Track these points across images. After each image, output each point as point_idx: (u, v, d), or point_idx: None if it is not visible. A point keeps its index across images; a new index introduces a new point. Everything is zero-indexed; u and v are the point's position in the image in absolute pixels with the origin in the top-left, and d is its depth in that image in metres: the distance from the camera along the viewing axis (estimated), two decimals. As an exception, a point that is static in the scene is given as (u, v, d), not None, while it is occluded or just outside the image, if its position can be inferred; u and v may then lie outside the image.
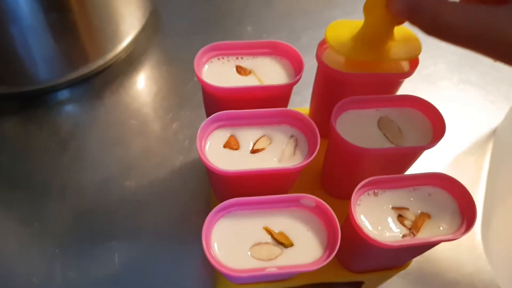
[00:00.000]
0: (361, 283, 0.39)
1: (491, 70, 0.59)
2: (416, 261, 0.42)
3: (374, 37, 0.36)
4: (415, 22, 0.30)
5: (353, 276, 0.38)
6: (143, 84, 0.54)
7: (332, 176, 0.40)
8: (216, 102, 0.37)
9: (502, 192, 0.46)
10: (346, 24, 0.38)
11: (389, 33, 0.36)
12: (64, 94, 0.52)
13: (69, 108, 0.51)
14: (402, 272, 0.41)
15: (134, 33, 0.54)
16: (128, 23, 0.53)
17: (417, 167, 0.47)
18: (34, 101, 0.51)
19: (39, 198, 0.44)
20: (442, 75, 0.59)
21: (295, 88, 0.49)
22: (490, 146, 0.51)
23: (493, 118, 0.54)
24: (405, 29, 0.38)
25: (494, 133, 0.53)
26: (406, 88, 0.56)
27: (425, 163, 0.48)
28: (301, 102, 0.53)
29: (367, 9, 0.34)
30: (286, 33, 0.61)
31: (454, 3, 0.28)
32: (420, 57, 0.61)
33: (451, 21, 0.27)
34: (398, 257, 0.36)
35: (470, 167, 0.50)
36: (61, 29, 0.46)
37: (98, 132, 0.49)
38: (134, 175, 0.46)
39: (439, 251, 0.43)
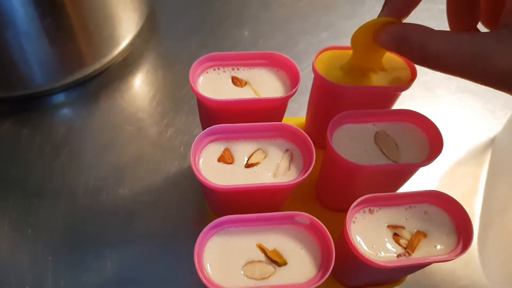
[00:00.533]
0: (355, 296, 0.38)
1: (490, 78, 0.59)
2: (412, 273, 0.42)
3: (362, 67, 0.37)
4: (403, 53, 0.30)
5: (347, 291, 0.38)
6: (139, 88, 0.53)
7: (327, 190, 0.40)
8: (211, 113, 0.37)
9: (500, 204, 0.45)
10: (336, 53, 0.39)
11: (377, 63, 0.38)
12: (59, 98, 0.51)
13: (64, 112, 0.50)
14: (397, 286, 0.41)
15: (131, 37, 0.54)
16: (125, 27, 0.52)
17: (414, 178, 0.47)
18: (29, 105, 0.50)
19: (33, 204, 0.43)
20: (440, 82, 0.58)
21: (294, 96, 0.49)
22: (488, 156, 0.51)
23: (492, 127, 0.54)
24: (396, 58, 0.39)
25: (492, 142, 0.52)
26: (404, 96, 0.55)
27: (421, 173, 0.48)
28: (298, 110, 0.52)
29: (354, 41, 0.35)
30: (283, 38, 0.60)
31: (441, 32, 0.28)
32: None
33: (439, 51, 0.27)
34: (393, 275, 0.35)
35: (468, 178, 0.49)
36: (57, 34, 0.45)
37: (93, 136, 0.48)
38: (128, 181, 0.45)
39: (434, 263, 0.43)
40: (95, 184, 0.45)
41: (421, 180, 0.48)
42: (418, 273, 0.42)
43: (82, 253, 0.41)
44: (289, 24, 0.63)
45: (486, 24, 0.35)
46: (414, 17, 0.67)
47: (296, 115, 0.52)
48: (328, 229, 0.34)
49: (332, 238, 0.35)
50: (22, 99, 0.50)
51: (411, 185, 0.44)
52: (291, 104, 0.53)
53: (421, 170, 0.44)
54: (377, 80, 0.37)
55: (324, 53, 0.39)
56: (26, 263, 0.40)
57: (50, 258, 0.40)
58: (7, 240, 0.41)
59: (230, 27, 0.61)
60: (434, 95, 0.57)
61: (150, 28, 0.60)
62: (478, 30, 0.34)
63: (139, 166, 0.47)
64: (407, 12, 0.33)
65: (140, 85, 0.54)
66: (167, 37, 0.60)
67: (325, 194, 0.40)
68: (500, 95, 0.57)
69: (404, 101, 0.55)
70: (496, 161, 0.49)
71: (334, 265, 0.36)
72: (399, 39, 0.30)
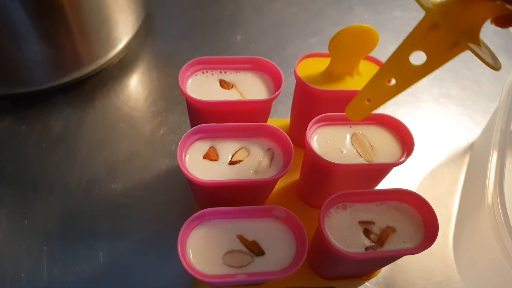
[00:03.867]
0: (333, 289, 0.41)
1: (472, 85, 0.61)
2: (388, 269, 0.44)
3: (340, 73, 0.40)
4: None
5: (324, 283, 0.40)
6: (133, 89, 0.56)
7: (307, 187, 0.42)
8: (199, 114, 0.39)
9: (474, 205, 0.47)
10: (317, 60, 0.42)
11: (354, 69, 0.40)
12: (56, 97, 0.53)
13: (60, 110, 0.52)
14: (373, 280, 0.43)
15: (127, 39, 0.56)
16: (121, 29, 0.54)
17: (395, 179, 0.49)
18: (27, 102, 0.52)
19: (29, 197, 0.45)
20: (423, 88, 0.60)
21: (281, 98, 0.51)
22: (466, 160, 0.53)
23: (471, 133, 0.56)
24: (372, 64, 0.42)
25: (471, 147, 0.54)
26: (388, 101, 0.58)
27: (403, 175, 0.50)
28: (286, 112, 0.54)
29: (332, 47, 0.37)
30: (273, 42, 0.63)
31: None
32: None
33: None
34: (365, 267, 0.37)
35: (447, 179, 0.51)
36: (55, 35, 0.47)
37: (88, 134, 0.51)
38: (120, 177, 0.47)
39: (410, 260, 0.45)
40: (88, 179, 0.47)
41: (402, 180, 0.50)
42: (394, 269, 0.44)
43: (75, 243, 0.43)
44: (279, 29, 0.65)
45: None
46: (401, 24, 0.69)
47: (285, 116, 0.54)
48: (307, 225, 0.36)
49: (311, 233, 0.37)
50: (21, 97, 0.52)
51: (392, 184, 0.47)
52: (280, 107, 0.55)
53: (403, 170, 0.46)
54: (354, 84, 0.40)
55: (307, 59, 0.42)
56: (22, 252, 0.42)
57: (45, 247, 0.42)
58: (5, 231, 0.43)
59: (222, 31, 0.64)
60: (417, 99, 0.59)
61: (146, 31, 0.62)
62: None
63: (132, 163, 0.49)
64: None
65: (134, 86, 0.56)
66: (162, 40, 0.62)
67: (305, 192, 0.43)
68: (480, 102, 0.59)
69: (388, 106, 0.57)
70: (472, 165, 0.52)
71: (312, 258, 0.38)
72: None
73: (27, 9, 0.44)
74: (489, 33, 0.69)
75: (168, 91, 0.55)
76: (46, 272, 0.41)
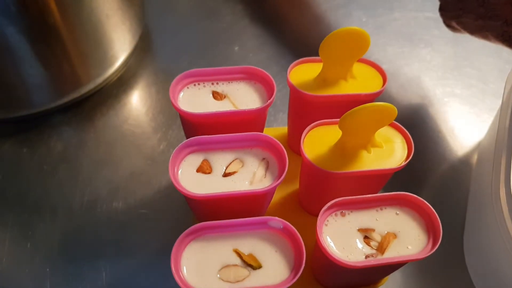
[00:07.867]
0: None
1: (476, 82, 0.60)
2: (399, 275, 0.42)
3: (333, 77, 0.39)
4: None
5: (330, 293, 0.39)
6: (132, 106, 0.56)
7: (307, 195, 0.41)
8: (193, 127, 0.38)
9: (483, 206, 0.46)
10: (310, 66, 0.41)
11: (347, 72, 0.39)
12: (56, 118, 0.53)
13: (60, 131, 0.52)
14: (382, 287, 0.42)
15: (124, 57, 0.56)
16: (118, 47, 0.54)
17: (403, 183, 0.48)
18: (27, 125, 0.53)
19: (31, 219, 0.45)
20: (426, 88, 0.59)
21: (281, 106, 0.51)
22: (475, 160, 0.52)
23: (478, 131, 0.55)
24: (367, 67, 0.40)
25: (478, 146, 0.53)
26: (391, 102, 0.57)
27: (410, 179, 0.49)
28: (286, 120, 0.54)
29: (322, 51, 0.37)
30: (271, 52, 0.62)
31: None
32: (405, 71, 0.62)
33: None
34: (368, 275, 0.36)
35: (456, 181, 0.50)
36: (51, 57, 0.47)
37: (88, 154, 0.51)
38: (121, 196, 0.47)
39: (422, 265, 0.43)
40: (90, 198, 0.47)
41: (410, 184, 0.49)
42: (405, 275, 0.43)
43: (78, 264, 0.42)
44: (277, 38, 0.65)
45: None
46: (401, 25, 0.68)
47: (286, 125, 0.53)
48: (309, 234, 0.35)
49: (313, 242, 0.36)
50: (21, 120, 0.53)
51: (399, 189, 0.46)
52: (280, 115, 0.54)
53: (410, 173, 0.45)
54: (349, 88, 0.39)
55: (300, 65, 0.41)
56: (25, 275, 0.42)
57: (48, 269, 0.42)
58: (8, 254, 0.43)
59: (220, 43, 0.64)
60: (420, 100, 0.58)
61: (144, 47, 0.62)
62: None
63: (133, 180, 0.49)
64: None
65: (134, 102, 0.56)
66: (160, 55, 0.62)
67: (306, 200, 0.42)
68: (486, 99, 0.58)
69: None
70: (480, 164, 0.50)
71: (315, 268, 0.37)
72: None
73: (23, 34, 0.44)
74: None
75: (167, 106, 0.55)
76: (50, 295, 0.41)
